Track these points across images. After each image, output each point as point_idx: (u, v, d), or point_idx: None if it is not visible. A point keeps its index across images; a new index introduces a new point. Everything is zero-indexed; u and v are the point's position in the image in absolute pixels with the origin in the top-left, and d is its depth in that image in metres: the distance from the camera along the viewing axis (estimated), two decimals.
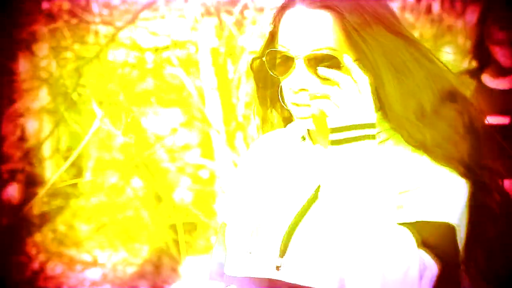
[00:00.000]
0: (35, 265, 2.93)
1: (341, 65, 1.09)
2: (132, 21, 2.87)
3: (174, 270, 2.95)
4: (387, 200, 1.08)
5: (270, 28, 1.15)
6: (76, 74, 3.24)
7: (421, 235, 1.07)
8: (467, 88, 2.34)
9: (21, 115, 3.65)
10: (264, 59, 1.14)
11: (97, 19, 3.19)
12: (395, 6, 3.02)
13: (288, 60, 1.10)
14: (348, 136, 1.11)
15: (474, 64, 2.39)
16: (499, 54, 2.30)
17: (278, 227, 1.13)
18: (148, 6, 2.96)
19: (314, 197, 1.13)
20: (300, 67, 1.10)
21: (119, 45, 3.31)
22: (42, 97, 3.54)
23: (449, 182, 1.11)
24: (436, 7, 3.16)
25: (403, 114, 1.11)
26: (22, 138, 3.63)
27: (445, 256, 1.09)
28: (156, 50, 3.06)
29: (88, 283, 2.86)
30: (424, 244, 1.08)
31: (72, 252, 2.96)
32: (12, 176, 3.66)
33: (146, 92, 3.23)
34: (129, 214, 3.29)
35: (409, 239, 1.06)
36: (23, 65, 3.60)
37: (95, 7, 3.21)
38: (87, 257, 2.92)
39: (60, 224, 3.19)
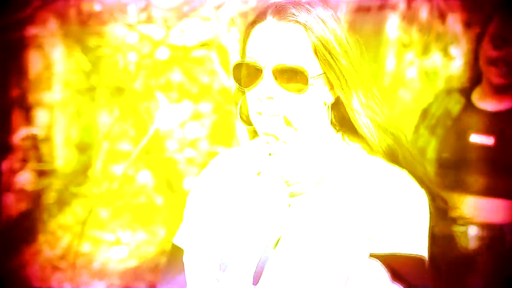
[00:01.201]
0: (64, 243, 3.19)
1: (307, 77, 1.11)
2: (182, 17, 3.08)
3: None
4: (356, 233, 1.07)
5: (238, 45, 1.24)
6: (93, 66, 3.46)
7: (392, 268, 1.07)
8: (456, 105, 2.51)
9: (31, 106, 3.82)
10: (231, 72, 1.15)
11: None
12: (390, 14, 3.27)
13: (256, 71, 1.12)
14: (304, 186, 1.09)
15: (466, 82, 2.39)
16: (491, 73, 2.26)
17: (248, 255, 1.11)
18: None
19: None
20: (267, 77, 1.11)
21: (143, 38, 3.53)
22: (55, 90, 3.72)
23: (414, 212, 1.10)
24: (424, 15, 3.41)
25: (371, 124, 1.11)
26: (32, 129, 3.81)
27: None
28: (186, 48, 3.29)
29: (116, 260, 3.14)
30: (397, 277, 1.07)
31: (95, 233, 3.22)
32: (23, 165, 3.83)
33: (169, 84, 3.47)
34: (142, 201, 3.54)
35: (382, 273, 1.06)
36: (33, 57, 3.76)
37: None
38: (110, 237, 3.19)
39: (79, 208, 3.43)
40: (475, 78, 2.34)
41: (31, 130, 3.60)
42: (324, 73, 1.12)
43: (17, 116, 3.76)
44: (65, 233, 3.31)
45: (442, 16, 3.10)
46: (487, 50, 2.26)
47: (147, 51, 3.42)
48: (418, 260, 1.10)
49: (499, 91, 2.29)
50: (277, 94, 1.12)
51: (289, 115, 1.12)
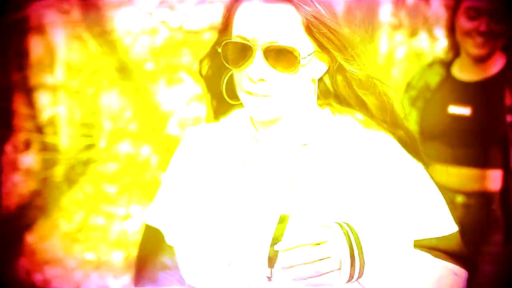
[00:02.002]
0: (78, 218, 3.37)
1: (299, 57, 1.10)
2: None
3: None
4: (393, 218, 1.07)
5: (220, 21, 1.14)
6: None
7: (436, 248, 1.09)
8: (436, 77, 2.58)
9: (33, 89, 3.93)
10: (219, 49, 1.14)
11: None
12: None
13: (246, 50, 1.11)
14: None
15: (450, 55, 2.40)
16: (467, 44, 2.28)
17: (259, 237, 1.09)
18: None
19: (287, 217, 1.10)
20: (259, 58, 1.10)
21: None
22: (57, 73, 3.85)
23: (428, 189, 1.11)
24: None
25: (364, 98, 1.13)
26: (35, 111, 3.93)
27: (465, 259, 1.12)
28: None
29: (130, 232, 3.34)
30: (445, 254, 1.10)
31: (107, 208, 3.41)
32: (27, 145, 3.95)
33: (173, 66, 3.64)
34: (147, 178, 3.72)
35: (428, 258, 1.07)
36: (35, 42, 3.87)
37: None
38: (122, 211, 3.38)
39: (87, 185, 3.60)
40: (454, 50, 2.36)
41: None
42: (316, 50, 1.11)
43: (19, 99, 3.88)
44: (78, 208, 3.48)
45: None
46: (462, 22, 2.26)
47: (154, 33, 3.59)
48: (456, 235, 1.13)
49: (476, 61, 2.30)
50: (269, 75, 1.11)
51: (280, 94, 1.11)
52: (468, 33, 2.26)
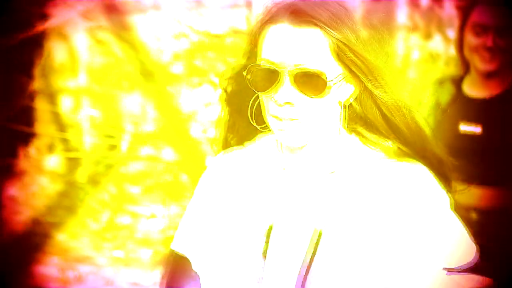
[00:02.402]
0: (104, 218, 3.48)
1: (326, 81, 1.08)
2: None
3: None
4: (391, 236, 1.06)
5: (246, 46, 1.12)
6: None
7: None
8: (447, 95, 2.61)
9: (56, 93, 4.04)
10: (245, 73, 1.11)
11: None
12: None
13: (273, 75, 1.08)
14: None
15: (460, 72, 2.37)
16: (475, 60, 2.22)
17: (287, 259, 1.07)
18: None
19: (320, 234, 1.08)
20: (286, 82, 1.08)
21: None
22: (80, 77, 3.95)
23: (451, 222, 1.10)
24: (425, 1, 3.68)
25: (395, 111, 1.10)
26: (58, 115, 4.04)
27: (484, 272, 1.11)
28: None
29: (156, 231, 3.45)
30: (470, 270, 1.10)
31: (131, 207, 3.52)
32: (50, 148, 4.05)
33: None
34: (168, 179, 3.83)
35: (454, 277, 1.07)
36: (56, 47, 3.98)
37: None
38: (146, 211, 3.49)
39: (110, 186, 3.71)
40: (464, 67, 2.34)
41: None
42: (344, 73, 1.10)
43: (42, 103, 3.99)
44: (104, 208, 3.59)
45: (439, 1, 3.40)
46: (469, 38, 2.26)
47: (178, 37, 3.70)
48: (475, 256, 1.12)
49: (485, 78, 2.30)
50: (296, 99, 1.09)
51: (308, 118, 1.09)
52: (475, 49, 2.26)
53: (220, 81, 1.17)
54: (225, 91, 1.16)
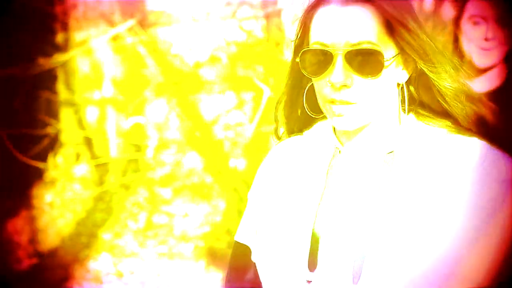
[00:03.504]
0: (142, 218, 3.70)
1: (383, 60, 1.03)
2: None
3: None
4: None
5: (297, 31, 1.09)
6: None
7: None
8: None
9: (79, 105, 4.23)
10: (297, 59, 1.07)
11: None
12: None
13: (326, 57, 1.04)
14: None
15: None
16: (472, 53, 2.17)
17: (341, 251, 1.03)
18: None
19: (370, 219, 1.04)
20: (340, 63, 1.03)
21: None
22: (104, 89, 4.15)
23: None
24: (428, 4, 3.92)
25: (449, 100, 1.05)
26: (83, 125, 4.22)
27: None
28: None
29: (193, 228, 3.69)
30: None
31: (165, 208, 3.74)
32: (78, 156, 4.22)
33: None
34: (195, 181, 4.06)
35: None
36: (82, 60, 4.16)
37: None
38: (180, 211, 3.71)
39: (142, 189, 3.93)
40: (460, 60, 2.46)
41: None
42: (399, 52, 1.05)
43: (66, 114, 4.18)
44: (140, 209, 3.81)
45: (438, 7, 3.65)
46: (465, 31, 2.20)
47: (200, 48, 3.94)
48: None
49: (480, 73, 2.24)
50: (352, 81, 1.04)
51: (365, 101, 1.05)
52: (472, 42, 2.20)
53: (283, 81, 1.13)
54: (284, 91, 1.14)
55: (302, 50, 1.07)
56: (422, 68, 1.06)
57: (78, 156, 4.19)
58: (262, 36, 3.89)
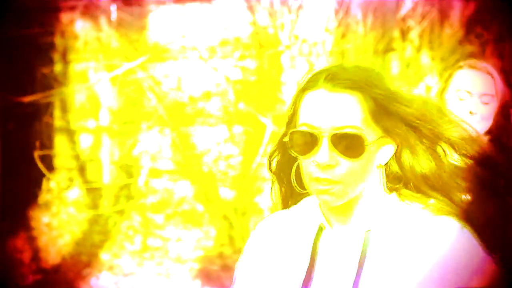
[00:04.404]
0: (138, 240, 3.88)
1: (365, 144, 1.10)
2: None
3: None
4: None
5: (287, 112, 1.16)
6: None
7: None
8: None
9: (74, 131, 4.37)
10: (285, 139, 1.14)
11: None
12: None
13: (313, 138, 1.11)
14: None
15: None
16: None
17: None
18: None
19: None
20: (325, 145, 1.10)
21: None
22: (99, 117, 4.30)
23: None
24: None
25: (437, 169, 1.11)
26: (77, 152, 4.36)
27: None
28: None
29: (187, 251, 3.88)
30: None
31: (159, 232, 3.93)
32: (70, 182, 4.35)
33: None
34: (185, 208, 4.25)
35: None
36: (78, 89, 4.31)
37: None
38: (173, 235, 3.90)
39: (136, 215, 4.10)
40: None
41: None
42: (382, 135, 1.13)
43: (61, 140, 4.32)
44: (135, 233, 3.97)
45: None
46: (449, 105, 2.14)
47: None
48: None
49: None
50: (336, 162, 1.11)
51: (348, 180, 1.11)
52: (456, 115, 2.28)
53: (268, 159, 1.20)
54: (271, 170, 1.20)
55: (290, 131, 1.14)
56: (403, 150, 1.14)
57: (71, 180, 4.32)
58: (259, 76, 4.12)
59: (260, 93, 4.07)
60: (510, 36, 3.55)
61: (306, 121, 1.13)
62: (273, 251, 1.18)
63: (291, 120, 1.16)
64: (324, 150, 1.11)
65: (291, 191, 1.19)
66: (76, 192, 4.28)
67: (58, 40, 4.30)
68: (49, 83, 4.24)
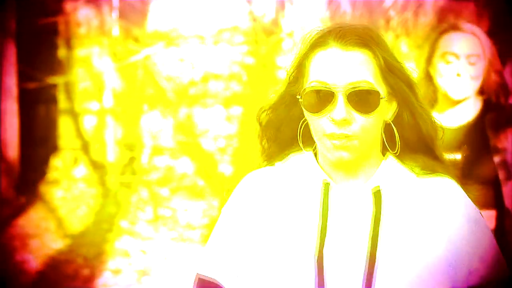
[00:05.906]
0: (149, 211, 4.17)
1: (379, 98, 1.13)
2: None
3: None
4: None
5: (292, 70, 1.16)
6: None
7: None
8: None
9: (78, 114, 4.57)
10: (298, 97, 1.14)
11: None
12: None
13: (328, 95, 1.12)
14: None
15: (428, 101, 2.23)
16: (446, 86, 2.17)
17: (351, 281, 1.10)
18: None
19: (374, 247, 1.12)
20: (342, 101, 1.12)
21: None
22: (103, 100, 4.51)
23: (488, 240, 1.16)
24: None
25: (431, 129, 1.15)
26: (81, 132, 4.56)
27: None
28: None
29: (195, 219, 4.19)
30: None
31: (167, 203, 4.22)
32: (77, 160, 4.54)
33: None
34: (187, 183, 4.54)
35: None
36: (82, 72, 4.48)
37: None
38: (180, 205, 4.21)
39: (143, 190, 4.39)
40: (433, 96, 2.26)
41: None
42: (389, 92, 1.16)
43: (65, 122, 4.51)
44: (146, 204, 4.26)
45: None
46: (439, 66, 2.20)
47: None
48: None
49: (456, 103, 2.23)
50: (351, 117, 1.13)
51: (362, 136, 1.14)
52: (446, 78, 2.19)
53: (258, 114, 1.20)
54: (260, 124, 1.20)
55: (304, 89, 1.15)
56: (412, 101, 1.18)
57: (75, 160, 4.53)
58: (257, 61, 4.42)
59: (259, 76, 4.37)
60: (480, 23, 3.88)
61: (318, 78, 1.14)
62: (266, 209, 1.17)
63: (297, 79, 1.17)
64: (341, 106, 1.13)
65: (279, 148, 1.20)
66: (82, 170, 4.51)
67: (62, 27, 4.50)
68: (60, 67, 4.43)
